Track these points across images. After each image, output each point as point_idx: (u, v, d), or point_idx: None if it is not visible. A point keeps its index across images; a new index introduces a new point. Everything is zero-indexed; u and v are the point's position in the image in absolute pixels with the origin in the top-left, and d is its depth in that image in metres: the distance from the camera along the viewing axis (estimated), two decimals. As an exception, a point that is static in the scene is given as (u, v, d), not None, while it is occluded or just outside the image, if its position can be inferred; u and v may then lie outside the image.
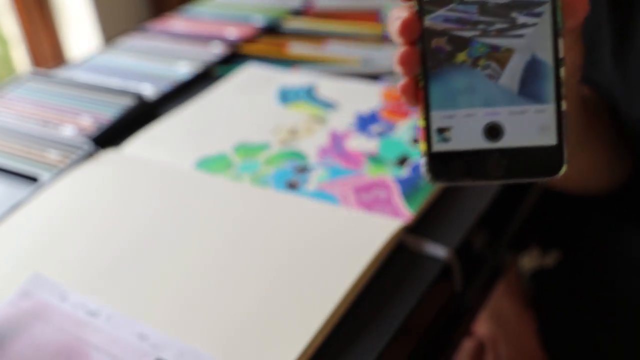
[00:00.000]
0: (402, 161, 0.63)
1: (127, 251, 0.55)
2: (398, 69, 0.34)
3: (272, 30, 0.99)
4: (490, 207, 0.57)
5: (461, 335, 0.56)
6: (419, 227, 0.55)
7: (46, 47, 1.81)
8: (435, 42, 0.33)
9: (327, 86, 0.80)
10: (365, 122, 0.71)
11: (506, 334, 0.68)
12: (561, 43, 0.32)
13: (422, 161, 0.33)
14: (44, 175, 0.67)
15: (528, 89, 0.32)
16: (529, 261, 0.79)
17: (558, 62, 0.32)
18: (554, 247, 0.77)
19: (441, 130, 0.32)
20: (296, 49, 0.90)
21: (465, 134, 0.32)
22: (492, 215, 0.58)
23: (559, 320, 0.73)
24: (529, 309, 0.74)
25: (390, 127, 0.69)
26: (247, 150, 0.68)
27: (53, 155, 0.70)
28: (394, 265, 0.52)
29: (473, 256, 0.56)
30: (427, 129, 0.33)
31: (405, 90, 0.34)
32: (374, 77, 0.80)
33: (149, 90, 0.83)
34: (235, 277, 0.51)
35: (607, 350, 0.68)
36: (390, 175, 0.61)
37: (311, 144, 0.68)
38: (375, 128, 0.69)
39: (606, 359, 0.68)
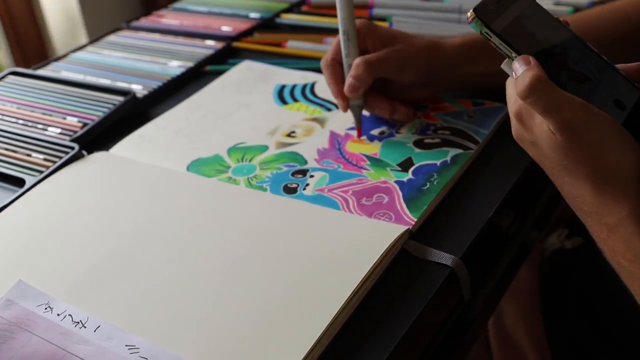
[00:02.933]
0: (405, 164, 0.63)
1: (115, 257, 0.55)
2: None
3: (267, 25, 0.99)
4: (514, 191, 0.57)
5: (469, 344, 0.56)
6: (422, 233, 0.55)
7: (30, 43, 1.81)
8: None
9: (326, 85, 0.79)
10: (366, 123, 0.71)
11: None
12: None
13: None
14: (28, 178, 0.67)
15: None
16: (552, 242, 0.81)
17: None
18: (577, 232, 0.79)
19: None
20: (293, 45, 0.91)
21: None
22: (519, 196, 0.57)
23: (567, 306, 0.75)
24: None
25: (392, 129, 0.69)
26: (241, 152, 0.68)
27: (38, 158, 0.70)
28: (397, 272, 0.52)
29: (483, 260, 0.56)
30: None
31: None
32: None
33: (139, 89, 0.83)
34: (231, 283, 0.51)
35: (613, 345, 0.69)
36: (392, 179, 0.61)
37: (310, 146, 0.68)
38: (376, 130, 0.69)
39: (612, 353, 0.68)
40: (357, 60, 0.66)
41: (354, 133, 0.69)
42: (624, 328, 0.70)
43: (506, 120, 0.70)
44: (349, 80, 0.66)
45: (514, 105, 0.49)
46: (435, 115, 0.71)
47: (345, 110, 0.68)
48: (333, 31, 0.93)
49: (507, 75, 0.50)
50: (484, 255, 0.57)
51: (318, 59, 0.86)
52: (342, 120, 0.72)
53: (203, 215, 0.59)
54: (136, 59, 0.91)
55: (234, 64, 0.87)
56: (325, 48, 0.89)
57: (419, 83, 0.69)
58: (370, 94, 0.68)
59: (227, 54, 0.91)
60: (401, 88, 0.70)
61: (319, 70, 0.82)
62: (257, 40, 0.93)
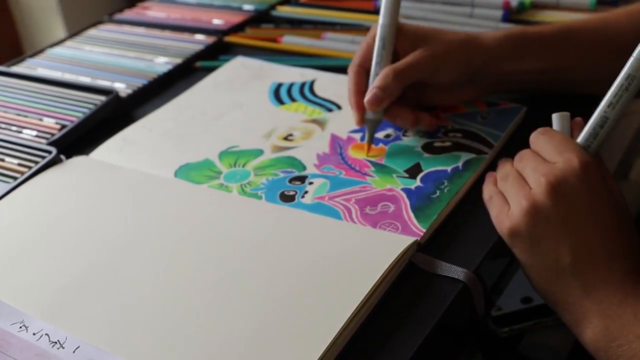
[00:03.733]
0: (413, 171, 0.63)
1: (97, 271, 0.55)
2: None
3: (262, 18, 0.99)
4: None
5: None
6: (431, 245, 0.55)
7: (3, 38, 1.81)
8: None
9: (327, 83, 0.80)
10: (370, 125, 0.71)
11: None
12: None
13: None
14: (0, 185, 0.67)
15: None
16: None
17: None
18: None
19: None
20: (290, 40, 0.91)
21: None
22: None
23: None
24: None
25: (398, 132, 0.69)
26: (234, 156, 0.68)
27: (12, 163, 0.70)
28: (404, 288, 0.52)
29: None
30: None
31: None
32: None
33: (122, 88, 0.83)
34: (223, 300, 0.51)
35: None
36: (398, 186, 0.61)
37: (309, 151, 0.68)
38: (381, 133, 0.70)
39: None
40: (386, 70, 0.65)
41: (357, 136, 0.69)
42: None
43: (523, 122, 0.70)
44: (372, 90, 0.65)
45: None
46: (446, 117, 0.71)
47: (359, 124, 0.67)
48: (332, 25, 0.94)
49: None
50: (499, 269, 0.57)
51: (317, 56, 0.87)
52: (344, 123, 0.72)
53: (192, 226, 0.59)
54: (119, 55, 0.91)
55: (226, 61, 0.87)
56: (325, 44, 0.89)
57: (458, 83, 0.69)
58: (393, 103, 0.66)
59: (219, 50, 0.91)
60: (439, 91, 0.70)
61: (318, 67, 0.83)
62: (250, 36, 0.94)
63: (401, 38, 0.67)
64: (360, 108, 0.67)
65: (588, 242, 0.50)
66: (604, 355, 0.49)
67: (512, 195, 0.54)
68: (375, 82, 0.65)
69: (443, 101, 0.71)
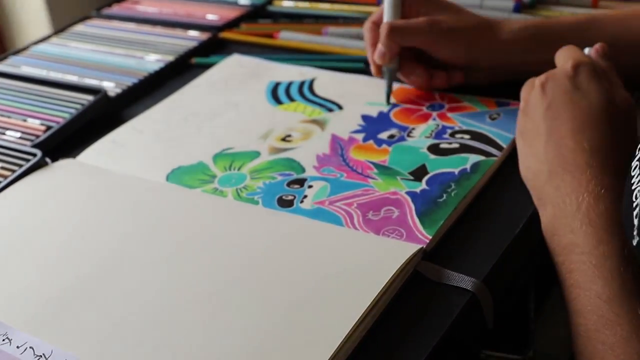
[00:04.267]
0: (418, 173, 0.63)
1: (85, 281, 0.55)
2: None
3: (259, 13, 0.99)
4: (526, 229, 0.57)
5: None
6: (438, 253, 0.55)
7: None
8: None
9: (327, 82, 0.80)
10: (373, 126, 0.71)
11: None
12: None
13: None
14: (-17, 189, 0.67)
15: None
16: None
17: None
18: None
19: None
20: (287, 37, 0.91)
21: None
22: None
23: None
24: None
25: (403, 132, 0.69)
26: (229, 159, 0.68)
27: (-6, 165, 0.70)
28: (409, 298, 0.52)
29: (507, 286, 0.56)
30: None
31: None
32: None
33: (111, 87, 0.83)
34: (220, 312, 0.51)
35: None
36: (403, 189, 0.61)
37: (308, 152, 0.68)
38: (385, 133, 0.70)
39: None
40: (383, 25, 0.71)
41: (360, 137, 0.69)
42: None
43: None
44: (378, 46, 0.72)
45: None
46: (453, 117, 0.71)
47: (376, 74, 0.74)
48: (335, 19, 0.94)
49: None
50: (509, 278, 0.57)
51: (317, 53, 0.87)
52: (346, 122, 0.72)
53: (185, 233, 0.59)
54: (108, 52, 0.91)
55: (221, 58, 0.87)
56: (325, 40, 0.89)
57: (460, 65, 0.72)
58: (405, 60, 0.73)
59: (213, 47, 0.92)
60: (450, 67, 0.73)
61: (318, 66, 0.83)
62: (246, 32, 0.94)
63: (415, 1, 0.72)
64: (374, 61, 0.74)
65: (560, 130, 0.57)
66: (550, 244, 0.54)
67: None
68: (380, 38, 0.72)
69: (445, 80, 0.74)
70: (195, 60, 0.88)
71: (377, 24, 0.74)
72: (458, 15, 0.72)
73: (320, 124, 0.73)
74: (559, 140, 0.57)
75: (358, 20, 0.92)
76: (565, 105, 0.58)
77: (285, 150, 0.69)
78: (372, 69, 0.76)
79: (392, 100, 0.75)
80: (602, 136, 0.56)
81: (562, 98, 0.59)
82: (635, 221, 0.45)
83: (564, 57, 0.64)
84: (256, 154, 0.69)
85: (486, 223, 0.58)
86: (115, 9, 1.03)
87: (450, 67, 0.74)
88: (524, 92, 0.65)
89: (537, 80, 0.62)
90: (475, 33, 0.71)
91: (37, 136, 0.74)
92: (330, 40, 0.89)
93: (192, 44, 0.91)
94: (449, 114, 0.71)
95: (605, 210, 0.51)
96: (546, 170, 0.57)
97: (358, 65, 0.82)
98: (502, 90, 0.73)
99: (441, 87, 0.74)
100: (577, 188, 0.53)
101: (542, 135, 0.59)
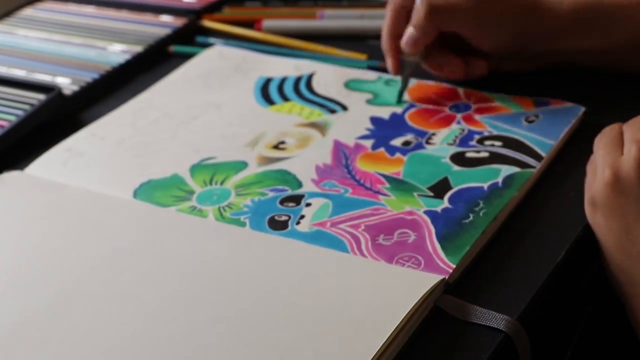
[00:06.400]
0: (439, 188, 0.64)
1: (34, 318, 0.54)
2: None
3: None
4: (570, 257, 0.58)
5: None
6: (463, 286, 0.55)
7: None
8: None
9: (328, 78, 0.80)
10: (384, 130, 0.71)
11: None
12: None
13: None
14: None
15: None
16: None
17: None
18: None
19: None
20: (272, 26, 0.90)
21: None
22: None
23: None
24: None
25: (421, 138, 0.70)
26: (210, 171, 0.69)
27: None
28: (428, 339, 0.52)
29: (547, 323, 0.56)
30: None
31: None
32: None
33: (67, 83, 0.83)
34: (201, 355, 0.51)
35: None
36: (421, 208, 0.62)
37: (306, 162, 0.68)
38: (398, 139, 0.70)
39: None
40: (419, 5, 0.71)
41: (368, 143, 0.69)
42: None
43: (581, 126, 0.70)
44: (409, 30, 0.73)
45: None
46: (481, 119, 0.71)
47: (395, 71, 0.75)
48: (336, 1, 0.94)
49: (623, 54, 0.61)
50: (550, 317, 0.57)
51: (311, 51, 0.86)
52: (351, 126, 0.72)
53: (157, 261, 0.59)
54: (62, 41, 0.92)
55: (200, 49, 0.87)
56: (324, 24, 0.89)
57: (505, 53, 0.74)
58: (437, 48, 0.74)
59: (191, 35, 0.92)
60: (480, 55, 0.74)
61: (316, 58, 0.83)
62: (229, 17, 0.94)
63: None
64: (393, 53, 0.74)
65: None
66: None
67: (600, 160, 0.60)
68: (411, 20, 0.72)
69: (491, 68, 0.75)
70: (173, 48, 0.88)
71: (407, 9, 0.74)
72: None
73: (320, 128, 0.73)
74: None
75: (358, 2, 0.93)
76: None
77: (277, 160, 0.69)
78: (389, 62, 0.76)
79: (406, 98, 0.75)
80: None
81: None
82: None
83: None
84: (243, 165, 0.69)
85: (522, 249, 0.58)
86: (72, -10, 1.04)
87: (481, 54, 0.75)
88: (601, 146, 0.61)
89: (634, 147, 0.58)
90: (526, 16, 0.72)
91: (-23, 143, 0.74)
92: (329, 23, 0.89)
93: (165, 32, 0.91)
94: (477, 116, 0.72)
95: None
96: None
97: (361, 66, 0.82)
98: (539, 85, 0.74)
99: (481, 74, 0.75)
100: None
101: None
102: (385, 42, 0.76)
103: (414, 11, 0.72)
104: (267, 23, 0.91)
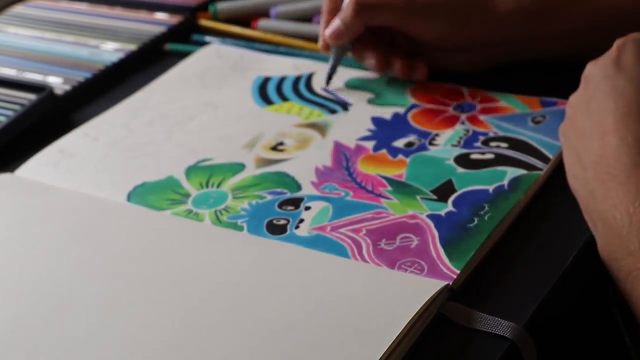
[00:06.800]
0: (443, 191, 0.64)
1: (23, 327, 0.54)
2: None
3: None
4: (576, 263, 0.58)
5: None
6: (468, 292, 0.55)
7: None
8: None
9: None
10: (386, 131, 0.71)
11: None
12: None
13: None
14: None
15: None
16: None
17: None
18: None
19: None
20: (268, 26, 0.90)
21: None
22: None
23: None
24: None
25: (424, 139, 0.70)
26: (206, 173, 0.69)
27: None
28: (432, 347, 0.52)
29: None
30: None
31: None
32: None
33: (59, 83, 0.83)
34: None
35: None
36: (424, 212, 0.62)
37: (305, 164, 0.68)
38: (401, 140, 0.70)
39: None
40: (348, 1, 0.72)
41: (370, 145, 0.69)
42: None
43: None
44: (335, 21, 0.74)
45: None
46: (487, 120, 0.71)
47: (323, 49, 0.76)
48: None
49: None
50: (557, 323, 0.57)
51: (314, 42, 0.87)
52: (352, 127, 0.72)
53: (151, 266, 0.59)
54: (54, 39, 0.92)
55: (196, 47, 0.88)
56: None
57: (449, 46, 0.73)
58: (360, 41, 0.75)
59: (186, 33, 0.92)
60: (428, 49, 0.74)
61: (315, 57, 0.83)
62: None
63: None
64: (323, 32, 0.76)
65: (602, 126, 0.57)
66: (611, 271, 0.55)
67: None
68: (340, 13, 0.73)
69: (435, 62, 0.76)
70: (168, 46, 0.88)
71: None
72: None
73: (320, 128, 0.73)
74: (601, 138, 0.57)
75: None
76: (606, 95, 0.59)
77: (276, 162, 0.69)
78: (320, 42, 0.78)
79: (335, 85, 0.78)
80: None
81: (603, 86, 0.59)
82: None
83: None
84: (240, 167, 0.69)
85: (528, 254, 0.58)
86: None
87: (436, 49, 0.75)
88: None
89: (582, 75, 0.63)
90: (462, 5, 0.72)
91: (-34, 145, 0.74)
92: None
93: (160, 30, 0.91)
94: (482, 117, 0.72)
95: None
96: (592, 176, 0.57)
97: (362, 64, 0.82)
98: (545, 84, 0.74)
99: (399, 76, 0.76)
100: (625, 197, 0.53)
101: (585, 135, 0.59)
102: (322, 16, 0.77)
103: (342, 5, 0.73)
104: (263, 23, 0.91)
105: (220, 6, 0.93)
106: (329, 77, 0.78)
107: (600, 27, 0.73)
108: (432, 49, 0.75)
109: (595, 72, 0.61)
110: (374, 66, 0.77)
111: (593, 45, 0.71)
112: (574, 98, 0.63)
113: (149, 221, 0.64)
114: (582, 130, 0.60)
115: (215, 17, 0.93)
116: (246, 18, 0.92)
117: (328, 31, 0.75)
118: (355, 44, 0.76)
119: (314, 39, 0.84)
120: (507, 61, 0.75)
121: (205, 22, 0.93)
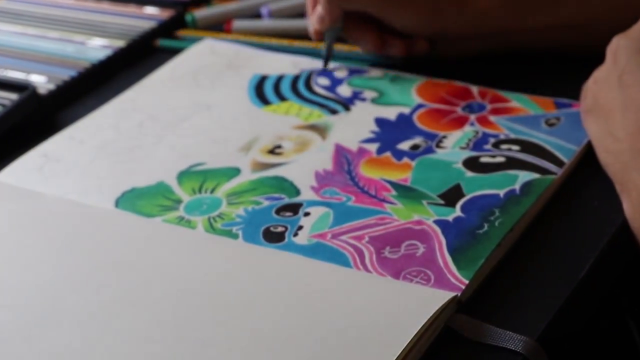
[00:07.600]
0: (451, 196, 0.64)
1: (12, 331, 0.55)
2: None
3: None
4: (622, 238, 0.58)
5: None
6: (477, 303, 0.56)
7: None
8: None
9: (328, 74, 0.81)
10: (391, 133, 0.72)
11: None
12: None
13: None
14: None
15: None
16: None
17: None
18: None
19: None
20: (241, 27, 0.90)
21: None
22: (630, 247, 0.59)
23: None
24: None
25: (431, 141, 0.70)
26: (199, 178, 0.69)
27: None
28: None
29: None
30: None
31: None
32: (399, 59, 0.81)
33: (42, 82, 0.83)
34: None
35: None
36: (431, 218, 0.62)
37: (304, 168, 0.68)
38: (406, 142, 0.70)
39: None
40: None
41: (373, 147, 0.69)
42: None
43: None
44: (317, 8, 0.78)
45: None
46: (497, 121, 0.71)
47: (316, 38, 0.79)
48: None
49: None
50: (572, 337, 0.57)
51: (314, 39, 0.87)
52: (354, 128, 0.72)
53: (141, 276, 0.59)
54: (38, 35, 0.92)
55: (189, 43, 0.88)
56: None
57: (429, 35, 0.76)
58: (352, 23, 0.77)
59: (178, 28, 0.92)
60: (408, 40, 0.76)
61: (315, 54, 0.83)
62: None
63: None
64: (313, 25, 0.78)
65: (638, 98, 0.60)
66: None
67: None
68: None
69: (410, 49, 0.78)
70: (159, 42, 0.88)
71: None
72: None
73: (321, 130, 0.73)
74: (638, 111, 0.59)
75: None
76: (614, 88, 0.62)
77: (273, 166, 0.69)
78: (310, 32, 0.79)
79: (333, 65, 0.81)
80: None
81: (637, 59, 0.61)
82: None
83: None
84: (235, 172, 0.69)
85: (541, 263, 0.58)
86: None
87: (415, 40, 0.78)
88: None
89: (607, 49, 0.65)
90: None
91: (-56, 148, 0.74)
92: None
93: (150, 25, 0.91)
94: (492, 118, 0.72)
95: None
96: (627, 148, 0.59)
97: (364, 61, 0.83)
98: (560, 85, 0.74)
99: (400, 56, 0.78)
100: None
101: (617, 108, 0.61)
102: (307, 12, 0.80)
103: None
104: (238, 24, 0.90)
105: (199, 14, 0.91)
106: (326, 60, 0.81)
107: (589, 20, 0.75)
108: (416, 40, 0.78)
109: (625, 44, 0.63)
110: (372, 47, 0.79)
111: (585, 37, 0.75)
112: (600, 73, 0.66)
113: (138, 228, 0.64)
114: (614, 104, 0.62)
115: (195, 27, 0.91)
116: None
117: (312, 17, 0.78)
118: (347, 26, 0.78)
119: (299, 35, 0.86)
120: (490, 52, 0.78)
121: (184, 33, 0.91)
